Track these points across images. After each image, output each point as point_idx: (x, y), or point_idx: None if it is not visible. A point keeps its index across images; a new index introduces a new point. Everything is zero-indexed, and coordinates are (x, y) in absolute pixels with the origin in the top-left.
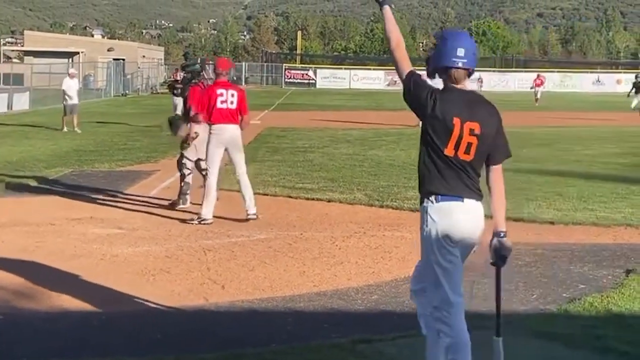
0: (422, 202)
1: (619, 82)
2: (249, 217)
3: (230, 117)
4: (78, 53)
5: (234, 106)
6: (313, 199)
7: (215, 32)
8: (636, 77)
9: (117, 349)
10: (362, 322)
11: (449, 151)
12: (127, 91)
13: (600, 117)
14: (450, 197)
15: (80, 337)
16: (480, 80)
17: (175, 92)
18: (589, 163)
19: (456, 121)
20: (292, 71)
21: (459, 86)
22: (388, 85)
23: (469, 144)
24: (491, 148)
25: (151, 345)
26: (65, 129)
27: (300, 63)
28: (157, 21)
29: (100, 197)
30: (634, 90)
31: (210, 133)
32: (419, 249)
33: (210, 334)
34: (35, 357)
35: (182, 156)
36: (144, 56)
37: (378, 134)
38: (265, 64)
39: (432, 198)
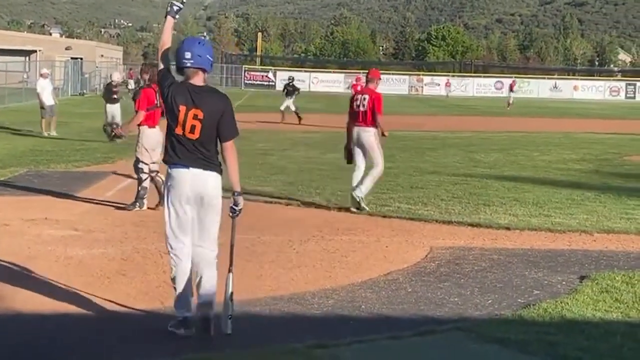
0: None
1: (575, 89)
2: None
3: (358, 118)
4: (35, 51)
5: (364, 109)
6: (272, 202)
7: (175, 32)
8: (289, 78)
9: (70, 354)
10: (319, 327)
11: (178, 130)
12: (84, 90)
13: (557, 123)
14: (179, 166)
15: (32, 340)
16: (448, 83)
17: (113, 98)
18: (546, 169)
19: (182, 108)
20: (252, 73)
21: (191, 81)
22: (348, 88)
23: (193, 126)
24: (219, 129)
25: (105, 350)
26: (45, 133)
27: (260, 65)
28: (117, 20)
29: (56, 198)
30: (285, 92)
31: None
32: (376, 253)
33: (166, 338)
34: None
35: (137, 160)
36: (102, 55)
37: (337, 137)
38: (225, 65)
39: (169, 166)
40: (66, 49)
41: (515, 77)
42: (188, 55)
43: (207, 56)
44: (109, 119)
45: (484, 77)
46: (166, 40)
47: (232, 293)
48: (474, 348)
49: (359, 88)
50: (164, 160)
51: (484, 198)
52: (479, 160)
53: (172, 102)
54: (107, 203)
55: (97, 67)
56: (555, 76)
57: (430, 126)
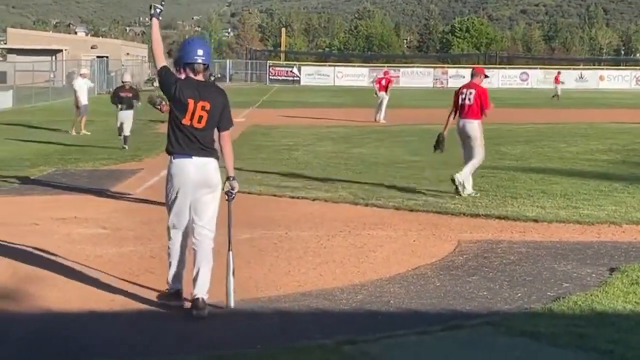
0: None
1: (601, 79)
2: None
3: (464, 111)
4: (61, 51)
5: (470, 102)
6: (298, 198)
7: (199, 29)
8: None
9: (99, 351)
10: (347, 322)
11: (185, 121)
12: (110, 89)
13: (583, 113)
14: (183, 155)
15: (62, 339)
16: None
17: (121, 103)
18: (573, 160)
19: (190, 101)
20: (277, 68)
21: (196, 77)
22: (372, 81)
23: (201, 117)
24: (219, 119)
25: (134, 348)
26: (73, 132)
27: (285, 60)
28: (141, 18)
29: (84, 196)
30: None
31: None
32: (403, 247)
33: (195, 335)
34: (17, 359)
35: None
36: (127, 53)
37: (362, 131)
38: (249, 61)
39: (172, 157)
40: (92, 47)
41: (550, 68)
42: (201, 52)
43: (210, 54)
44: (124, 130)
45: (509, 68)
46: (159, 40)
47: (233, 269)
48: (503, 342)
49: (383, 82)
50: (167, 151)
51: (511, 190)
52: (505, 153)
53: (180, 96)
54: (135, 201)
55: (123, 65)
56: (581, 66)
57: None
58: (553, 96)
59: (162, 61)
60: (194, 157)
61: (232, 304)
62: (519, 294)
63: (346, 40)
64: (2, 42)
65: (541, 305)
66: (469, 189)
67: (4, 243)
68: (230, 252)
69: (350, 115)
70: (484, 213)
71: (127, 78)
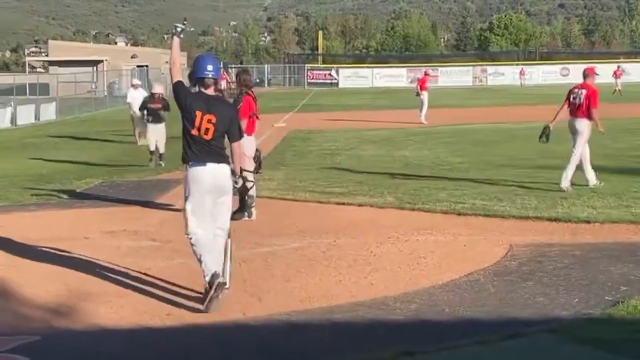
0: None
1: None
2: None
3: (575, 110)
4: (102, 61)
5: (579, 102)
6: (343, 204)
7: (236, 34)
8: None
9: None
10: (403, 333)
11: (194, 132)
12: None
13: (626, 108)
14: (197, 163)
15: (117, 355)
16: (522, 72)
17: (153, 115)
18: (619, 157)
19: (198, 113)
20: (315, 71)
21: (206, 91)
22: (411, 82)
23: (207, 129)
24: (227, 131)
25: None
26: (139, 142)
27: (323, 63)
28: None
29: (132, 208)
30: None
31: None
32: (454, 253)
33: (249, 348)
34: None
35: (240, 170)
36: (166, 62)
37: (404, 133)
38: (287, 65)
39: (188, 164)
40: (132, 57)
41: (591, 62)
42: (210, 67)
43: (219, 67)
44: (151, 145)
45: (549, 64)
46: (177, 57)
47: (231, 254)
48: (565, 350)
49: (427, 84)
50: (183, 159)
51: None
52: (551, 151)
53: (189, 108)
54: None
55: (162, 73)
56: (622, 59)
57: (501, 118)
58: (614, 91)
59: (178, 76)
60: (208, 164)
61: (227, 283)
62: (577, 299)
63: (383, 41)
64: (43, 54)
65: (600, 311)
66: (592, 180)
67: (56, 258)
68: (229, 239)
69: (390, 117)
70: (534, 215)
71: (158, 89)
